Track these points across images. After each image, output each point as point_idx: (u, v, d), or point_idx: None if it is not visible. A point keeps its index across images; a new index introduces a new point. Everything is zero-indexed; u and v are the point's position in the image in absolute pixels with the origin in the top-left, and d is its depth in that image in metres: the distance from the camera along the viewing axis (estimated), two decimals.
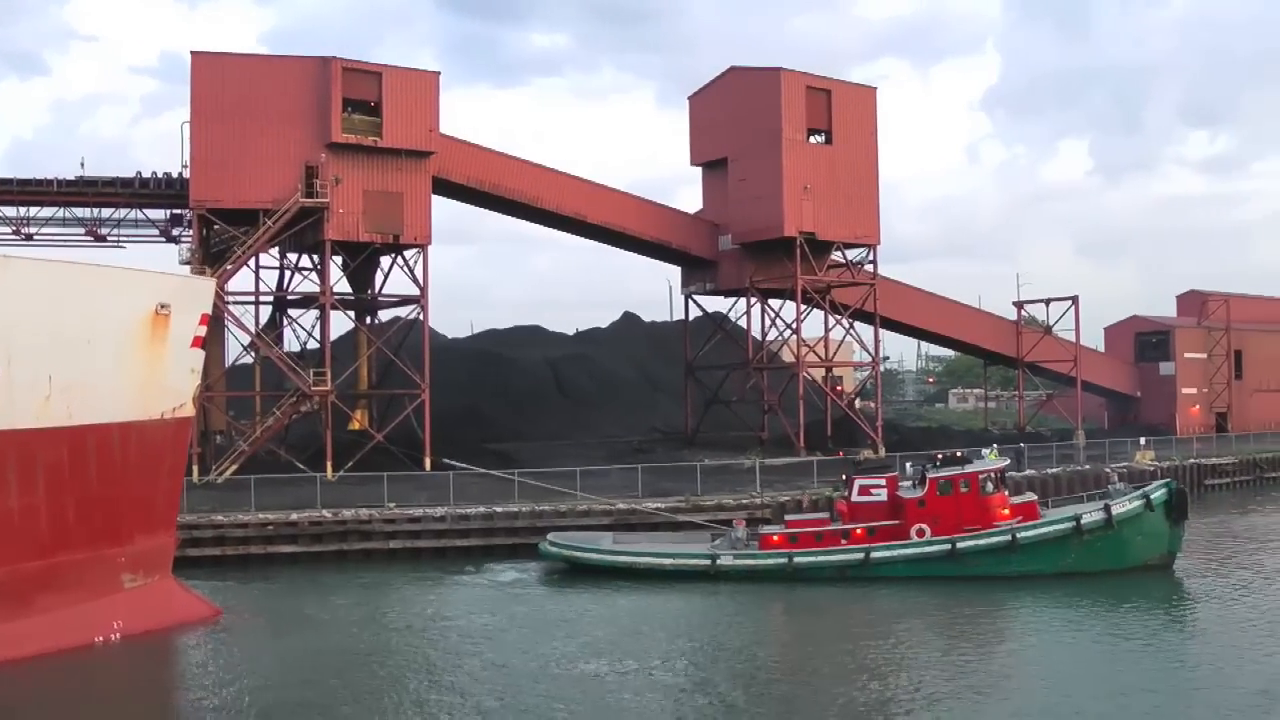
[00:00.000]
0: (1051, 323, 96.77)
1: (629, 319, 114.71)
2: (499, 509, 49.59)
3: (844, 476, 48.41)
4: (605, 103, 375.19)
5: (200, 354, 37.64)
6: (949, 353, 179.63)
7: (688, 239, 79.95)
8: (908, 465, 47.96)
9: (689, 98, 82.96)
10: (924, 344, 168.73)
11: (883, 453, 73.70)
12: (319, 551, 46.76)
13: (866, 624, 37.71)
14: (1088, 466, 68.14)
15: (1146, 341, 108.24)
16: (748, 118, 76.72)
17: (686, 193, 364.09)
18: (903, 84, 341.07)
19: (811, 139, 77.36)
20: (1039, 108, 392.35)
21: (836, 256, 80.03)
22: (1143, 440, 76.09)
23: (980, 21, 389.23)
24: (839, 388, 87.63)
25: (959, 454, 46.61)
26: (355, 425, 66.73)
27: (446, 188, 68.23)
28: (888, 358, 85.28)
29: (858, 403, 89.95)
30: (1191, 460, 74.04)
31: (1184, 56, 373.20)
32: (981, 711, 27.17)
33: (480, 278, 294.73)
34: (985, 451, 47.21)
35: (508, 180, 70.74)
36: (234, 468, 56.31)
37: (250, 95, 61.00)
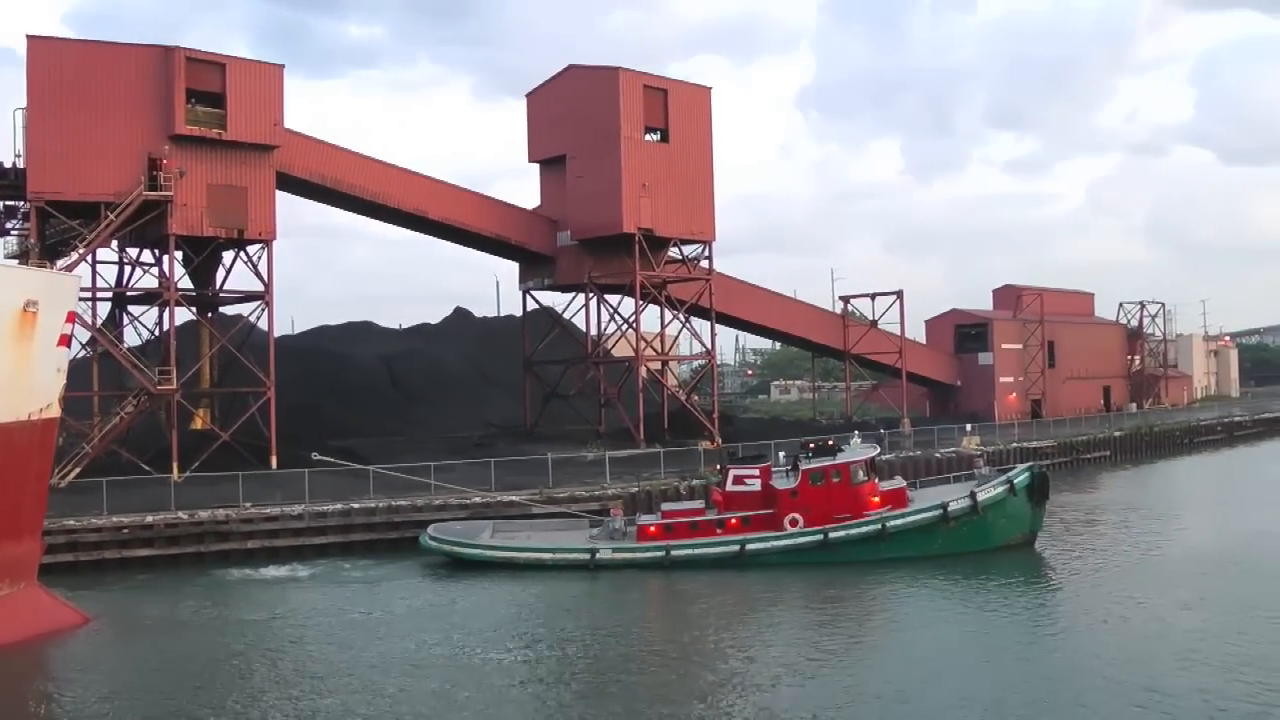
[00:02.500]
0: (876, 316, 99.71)
1: (460, 314, 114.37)
2: (356, 505, 49.33)
3: (719, 466, 49.43)
4: (421, 96, 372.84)
5: (66, 353, 36.75)
6: (766, 345, 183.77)
7: (527, 235, 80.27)
8: (780, 455, 49.15)
9: (526, 95, 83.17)
10: (742, 338, 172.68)
11: (718, 443, 75.15)
12: (176, 554, 45.80)
13: (741, 611, 38.63)
14: (918, 452, 70.94)
15: (966, 333, 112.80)
16: (586, 116, 77.37)
17: (505, 187, 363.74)
18: (719, 81, 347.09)
19: (649, 137, 78.29)
20: (852, 108, 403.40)
21: (673, 252, 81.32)
22: (968, 427, 79.68)
23: (796, 23, 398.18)
24: (664, 380, 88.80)
25: (830, 443, 47.94)
26: (198, 424, 65.25)
27: (288, 183, 67.03)
28: (706, 349, 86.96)
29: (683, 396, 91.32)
30: (1015, 444, 77.65)
31: (991, 62, 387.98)
32: (843, 689, 28.10)
33: (293, 273, 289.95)
34: (854, 440, 48.60)
35: (350, 176, 69.96)
36: (76, 470, 54.64)
37: (90, 83, 59.15)
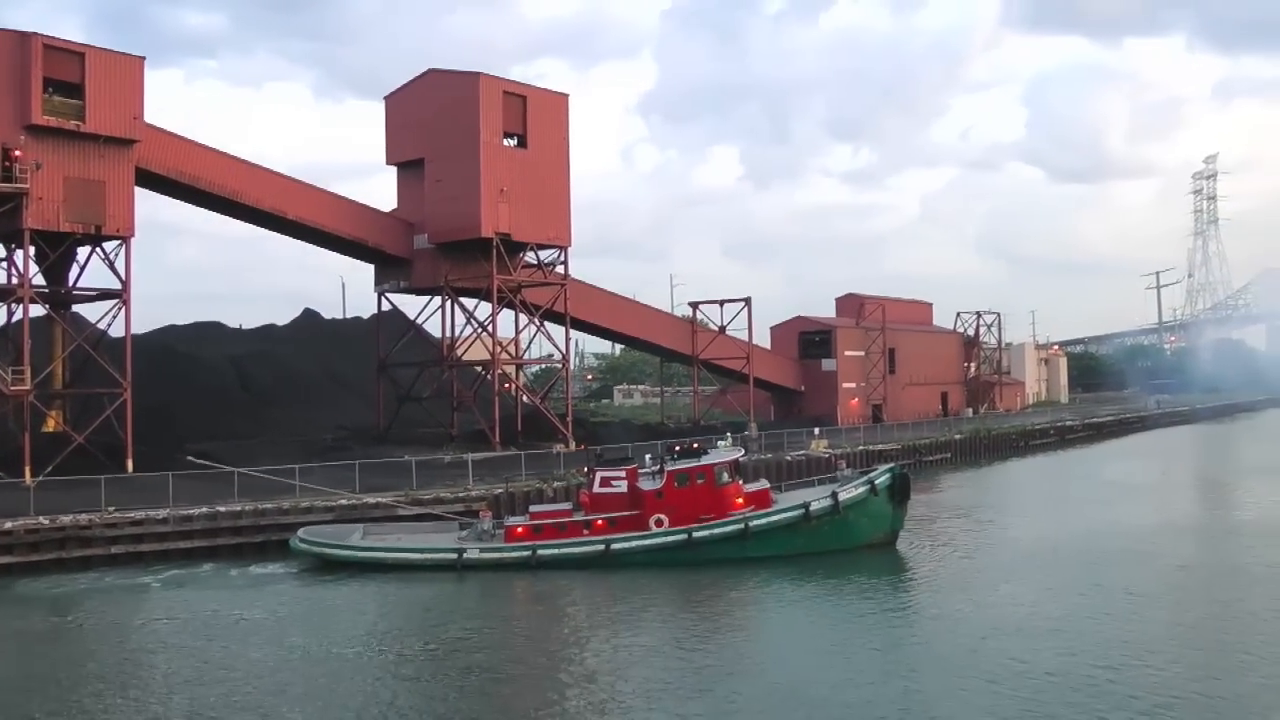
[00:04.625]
0: (724, 323, 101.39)
1: (309, 315, 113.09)
2: (222, 508, 48.71)
3: (585, 468, 50.05)
4: (261, 89, 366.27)
5: None
6: (606, 349, 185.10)
7: (384, 237, 79.88)
8: (647, 457, 50.02)
9: (385, 97, 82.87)
10: (581, 341, 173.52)
11: (572, 447, 75.92)
12: (36, 560, 44.48)
13: (605, 610, 39.42)
14: (769, 455, 72.48)
15: (810, 340, 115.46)
16: (446, 120, 77.40)
17: (345, 187, 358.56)
18: (560, 86, 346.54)
19: (507, 142, 78.65)
20: (693, 114, 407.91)
21: (529, 257, 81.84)
22: (816, 430, 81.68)
23: (638, 29, 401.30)
24: (508, 385, 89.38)
25: (695, 445, 48.94)
26: (51, 426, 63.51)
27: (146, 178, 65.23)
28: (551, 354, 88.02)
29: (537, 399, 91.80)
30: (860, 447, 79.85)
31: (830, 75, 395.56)
32: (708, 686, 28.77)
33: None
34: (720, 442, 49.64)
35: (210, 173, 68.73)
36: None
37: None
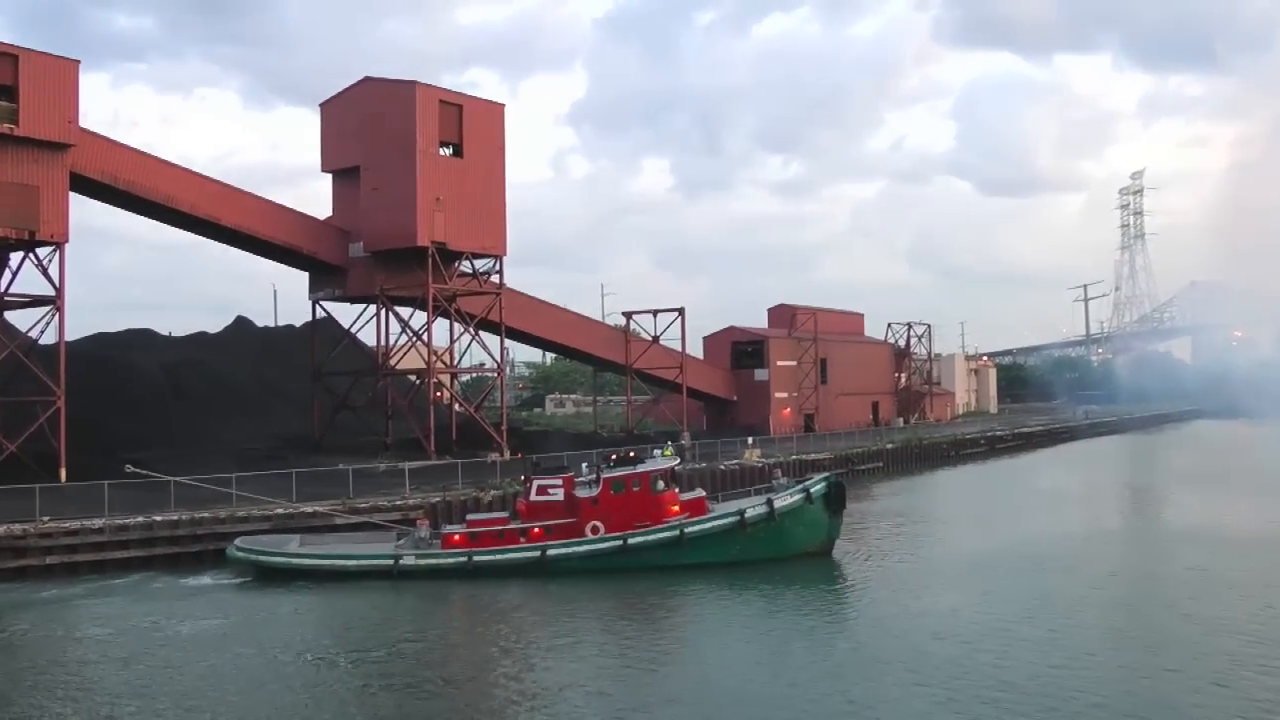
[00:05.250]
0: (658, 332, 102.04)
1: (241, 323, 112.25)
2: (159, 518, 48.38)
3: (523, 477, 50.23)
4: (190, 94, 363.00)
5: None
6: (537, 358, 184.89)
7: (319, 245, 79.73)
8: (583, 465, 50.30)
9: (321, 105, 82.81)
10: (512, 350, 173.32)
11: (507, 455, 76.10)
12: None
13: (541, 618, 39.49)
14: (703, 464, 72.95)
15: (742, 350, 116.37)
16: (382, 128, 77.55)
17: (275, 192, 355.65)
18: (491, 96, 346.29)
19: (443, 151, 78.83)
20: (625, 125, 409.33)
21: (465, 267, 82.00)
22: (749, 439, 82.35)
23: (571, 39, 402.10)
24: (439, 394, 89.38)
25: (631, 454, 49.35)
26: None
27: (80, 183, 64.71)
28: (483, 364, 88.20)
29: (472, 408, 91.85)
30: (794, 457, 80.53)
31: (762, 86, 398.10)
32: (643, 693, 28.98)
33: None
34: (656, 451, 50.03)
35: (145, 179, 68.23)
36: None
37: None
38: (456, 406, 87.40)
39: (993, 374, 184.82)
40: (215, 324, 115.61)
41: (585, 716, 27.00)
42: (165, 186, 69.61)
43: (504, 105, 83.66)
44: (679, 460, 51.63)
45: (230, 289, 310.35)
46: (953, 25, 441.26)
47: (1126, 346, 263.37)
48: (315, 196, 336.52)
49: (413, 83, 77.32)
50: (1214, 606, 37.44)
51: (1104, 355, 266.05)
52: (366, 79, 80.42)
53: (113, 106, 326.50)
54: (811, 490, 48.18)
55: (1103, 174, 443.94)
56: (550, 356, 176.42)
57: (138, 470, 49.20)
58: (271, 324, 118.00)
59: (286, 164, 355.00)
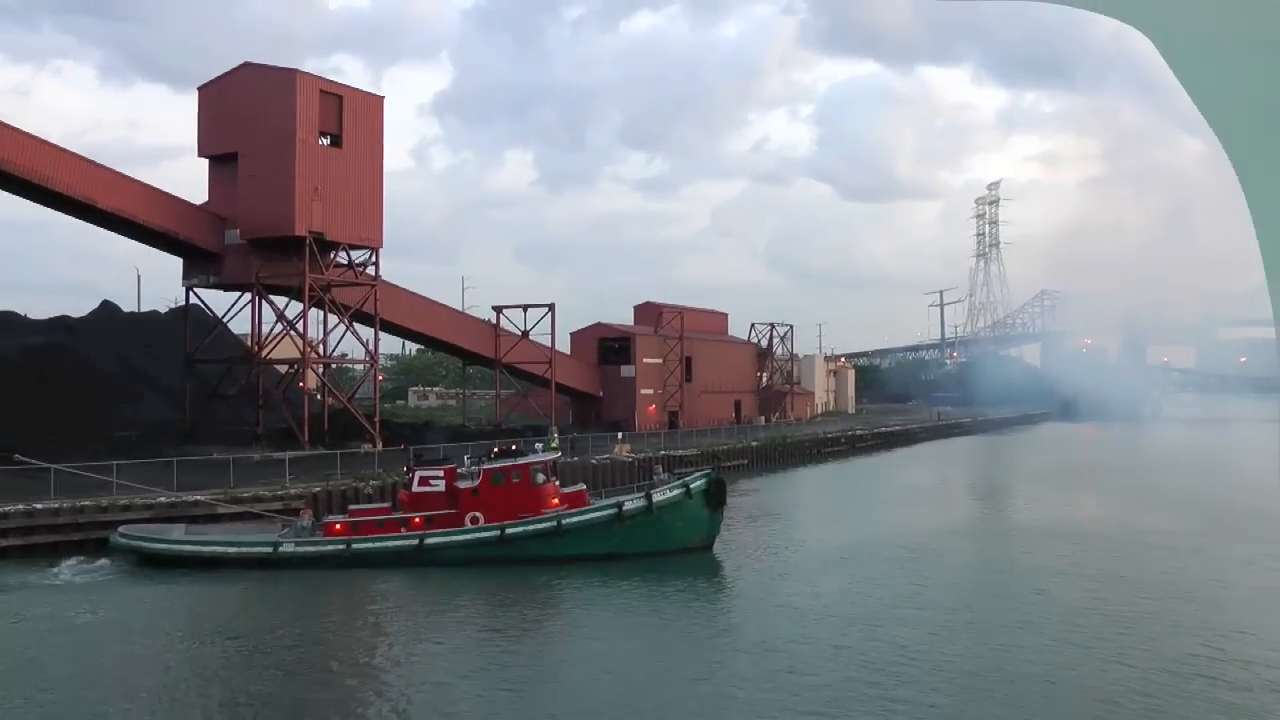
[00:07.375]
0: (528, 327, 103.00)
1: (108, 307, 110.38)
2: (40, 506, 48.03)
3: (405, 468, 51.01)
4: (43, 65, 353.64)
5: None
6: (398, 348, 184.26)
7: (194, 230, 78.94)
8: (466, 458, 51.27)
9: (199, 88, 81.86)
10: (370, 341, 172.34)
11: (380, 446, 76.53)
12: None
13: (416, 606, 40.26)
14: (575, 459, 74.05)
15: (609, 346, 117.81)
16: (260, 115, 77.16)
17: (132, 171, 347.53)
18: (355, 82, 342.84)
19: (322, 141, 78.97)
20: (489, 117, 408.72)
21: (341, 258, 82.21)
22: (620, 435, 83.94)
23: (437, 28, 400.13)
24: (302, 384, 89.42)
25: (514, 446, 50.41)
26: None
27: None
28: (346, 354, 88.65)
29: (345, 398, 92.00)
30: (662, 452, 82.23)
31: (627, 83, 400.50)
32: (517, 684, 29.40)
33: None
34: (539, 445, 51.10)
35: (19, 157, 66.98)
36: None
37: None
38: (330, 399, 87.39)
39: (851, 375, 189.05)
40: (74, 307, 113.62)
41: (456, 699, 27.69)
42: (41, 166, 68.25)
43: (384, 98, 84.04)
44: (559, 454, 52.78)
45: (86, 270, 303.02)
46: (819, 31, 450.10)
47: (980, 351, 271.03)
48: (175, 178, 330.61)
49: (293, 71, 77.31)
50: (1064, 592, 40.89)
51: (958, 358, 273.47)
52: (246, 64, 79.97)
53: None
54: (691, 486, 49.34)
55: (960, 183, 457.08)
56: (413, 348, 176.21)
57: (27, 460, 48.91)
58: (136, 309, 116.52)
59: (144, 143, 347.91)
